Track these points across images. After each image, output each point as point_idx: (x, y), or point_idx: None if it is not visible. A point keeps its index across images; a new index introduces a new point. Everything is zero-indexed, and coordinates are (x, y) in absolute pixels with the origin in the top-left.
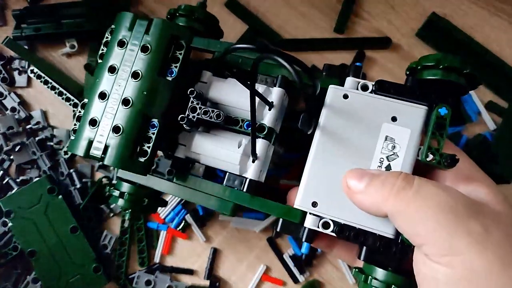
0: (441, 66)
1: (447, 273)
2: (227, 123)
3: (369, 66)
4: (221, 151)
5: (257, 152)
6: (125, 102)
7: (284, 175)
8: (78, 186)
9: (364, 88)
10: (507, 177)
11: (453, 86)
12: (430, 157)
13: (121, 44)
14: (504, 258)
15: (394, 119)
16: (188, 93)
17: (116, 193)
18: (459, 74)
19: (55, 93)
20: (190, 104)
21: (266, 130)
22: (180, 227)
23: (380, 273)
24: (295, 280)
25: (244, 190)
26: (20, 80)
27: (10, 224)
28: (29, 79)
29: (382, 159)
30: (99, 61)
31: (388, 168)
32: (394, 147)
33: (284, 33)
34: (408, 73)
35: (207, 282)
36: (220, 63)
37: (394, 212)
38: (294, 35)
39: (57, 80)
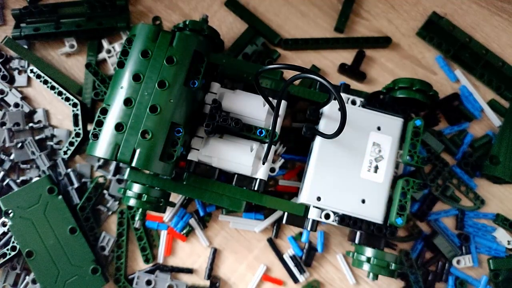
0: (414, 88)
1: None
2: (243, 129)
3: (369, 65)
4: (236, 155)
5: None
6: (153, 109)
7: (283, 175)
8: (76, 186)
9: (353, 102)
10: (508, 178)
11: (419, 103)
12: (409, 158)
13: (145, 54)
14: None
15: (379, 128)
16: (211, 102)
17: (130, 193)
18: (425, 95)
19: (55, 92)
20: (209, 112)
21: (277, 137)
22: (184, 231)
23: (369, 251)
24: (295, 280)
25: (256, 189)
26: (20, 79)
27: (9, 223)
28: (28, 79)
29: (371, 161)
30: (118, 69)
31: (376, 168)
32: (380, 151)
33: (284, 32)
34: (384, 91)
35: (207, 282)
36: (256, 83)
37: None
38: (294, 34)
39: (57, 79)
